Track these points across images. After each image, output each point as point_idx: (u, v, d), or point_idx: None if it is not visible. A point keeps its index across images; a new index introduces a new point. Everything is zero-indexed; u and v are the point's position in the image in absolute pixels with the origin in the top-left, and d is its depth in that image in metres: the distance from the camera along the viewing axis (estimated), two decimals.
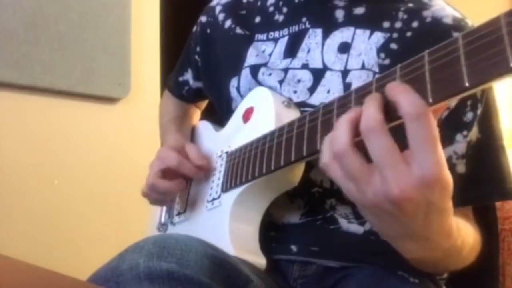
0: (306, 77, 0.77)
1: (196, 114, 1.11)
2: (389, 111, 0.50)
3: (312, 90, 0.76)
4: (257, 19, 0.87)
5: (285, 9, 0.85)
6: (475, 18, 0.66)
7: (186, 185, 0.84)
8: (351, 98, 0.56)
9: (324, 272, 0.74)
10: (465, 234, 0.63)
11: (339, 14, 0.78)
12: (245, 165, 0.72)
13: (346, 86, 0.73)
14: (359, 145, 0.50)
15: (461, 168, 0.70)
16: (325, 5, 0.79)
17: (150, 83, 1.89)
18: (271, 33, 0.84)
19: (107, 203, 1.75)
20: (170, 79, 1.08)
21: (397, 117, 0.49)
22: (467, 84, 0.44)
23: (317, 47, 0.78)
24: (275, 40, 0.83)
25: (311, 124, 0.61)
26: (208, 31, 0.94)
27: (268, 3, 0.88)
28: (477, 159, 0.71)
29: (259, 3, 0.89)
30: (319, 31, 0.79)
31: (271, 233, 0.76)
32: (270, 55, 0.82)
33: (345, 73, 0.74)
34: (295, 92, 0.77)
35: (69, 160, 1.71)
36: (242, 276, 0.63)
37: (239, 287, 0.62)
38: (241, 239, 0.72)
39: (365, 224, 0.74)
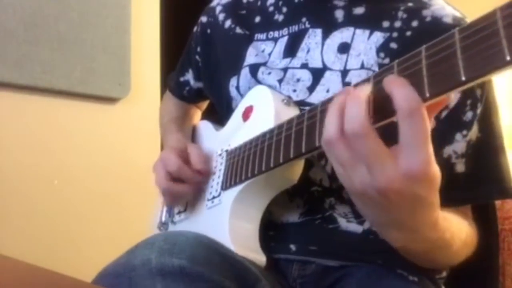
0: (306, 76, 0.77)
1: (197, 114, 1.11)
2: (381, 107, 0.50)
3: (311, 89, 0.76)
4: (257, 19, 0.87)
5: (285, 9, 0.85)
6: (475, 18, 0.66)
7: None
8: None
9: (323, 271, 0.74)
10: (456, 228, 0.64)
11: (339, 14, 0.78)
12: (245, 163, 0.72)
13: (346, 85, 0.73)
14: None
15: (460, 167, 0.70)
16: (324, 5, 0.79)
17: (150, 83, 1.89)
18: (271, 32, 0.84)
19: (107, 203, 1.75)
20: (171, 80, 1.08)
21: (389, 114, 0.49)
22: (463, 78, 0.44)
23: (316, 47, 0.78)
24: (275, 39, 0.83)
25: (310, 121, 0.61)
26: (209, 31, 0.94)
27: (268, 3, 0.88)
28: (477, 158, 0.71)
29: (259, 3, 0.89)
30: (318, 31, 0.79)
31: (270, 232, 0.77)
32: (269, 54, 0.82)
33: (344, 73, 0.74)
34: (295, 91, 0.77)
35: (69, 160, 1.71)
36: (251, 274, 0.64)
37: (249, 286, 0.63)
38: (242, 237, 0.72)
39: (364, 223, 0.74)
